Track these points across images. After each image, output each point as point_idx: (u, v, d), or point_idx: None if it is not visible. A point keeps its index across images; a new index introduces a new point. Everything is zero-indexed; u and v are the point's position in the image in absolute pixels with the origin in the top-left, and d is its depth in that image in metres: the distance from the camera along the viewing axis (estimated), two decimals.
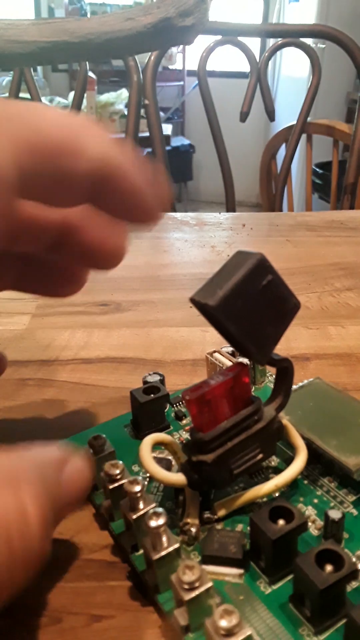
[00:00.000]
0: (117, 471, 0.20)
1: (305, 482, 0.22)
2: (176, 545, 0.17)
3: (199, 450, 0.19)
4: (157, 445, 0.21)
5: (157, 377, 0.26)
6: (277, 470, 0.22)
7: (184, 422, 0.26)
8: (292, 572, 0.18)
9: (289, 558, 0.18)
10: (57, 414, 0.28)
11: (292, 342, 0.35)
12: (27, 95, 1.07)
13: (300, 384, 0.26)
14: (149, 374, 0.27)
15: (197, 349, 0.35)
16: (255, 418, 0.20)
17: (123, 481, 0.20)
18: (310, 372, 0.32)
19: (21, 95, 1.06)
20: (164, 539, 0.17)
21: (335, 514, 0.19)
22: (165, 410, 0.26)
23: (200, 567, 0.16)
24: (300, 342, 0.36)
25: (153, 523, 0.17)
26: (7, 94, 1.06)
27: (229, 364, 0.26)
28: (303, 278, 0.45)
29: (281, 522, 0.18)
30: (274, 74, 3.08)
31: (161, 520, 0.17)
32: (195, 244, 0.53)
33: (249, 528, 0.19)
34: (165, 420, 0.25)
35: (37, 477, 0.15)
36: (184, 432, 0.25)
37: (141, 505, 0.19)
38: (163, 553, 0.17)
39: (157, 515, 0.17)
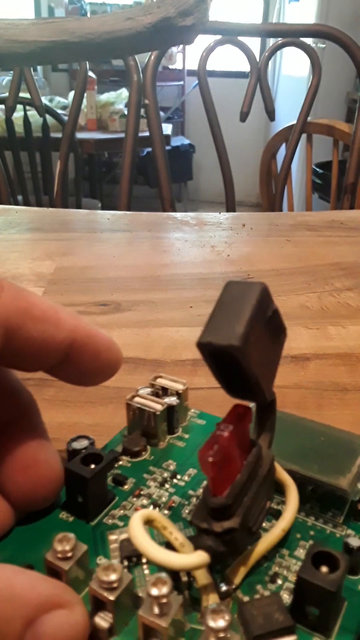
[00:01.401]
0: (114, 577, 0.15)
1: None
2: None
3: (221, 517, 0.16)
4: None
5: (86, 442, 0.21)
6: (271, 513, 0.20)
7: (126, 486, 0.21)
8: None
9: (340, 606, 0.16)
10: (57, 414, 0.28)
11: (292, 342, 0.35)
12: (27, 95, 1.07)
13: None
14: (73, 439, 0.21)
15: (196, 349, 0.35)
16: (259, 463, 0.18)
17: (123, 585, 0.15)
18: (310, 372, 0.32)
19: (21, 94, 1.06)
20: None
21: (355, 542, 0.18)
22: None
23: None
24: (300, 342, 0.36)
25: (213, 623, 0.14)
26: (7, 94, 1.06)
27: (158, 407, 0.23)
28: (303, 278, 0.45)
29: (324, 569, 0.16)
30: (274, 74, 3.09)
31: (223, 622, 0.14)
32: (195, 243, 0.53)
33: (285, 589, 0.17)
34: (109, 492, 0.20)
35: None
36: (134, 499, 0.20)
37: (172, 609, 0.15)
38: None
39: (218, 612, 0.14)
